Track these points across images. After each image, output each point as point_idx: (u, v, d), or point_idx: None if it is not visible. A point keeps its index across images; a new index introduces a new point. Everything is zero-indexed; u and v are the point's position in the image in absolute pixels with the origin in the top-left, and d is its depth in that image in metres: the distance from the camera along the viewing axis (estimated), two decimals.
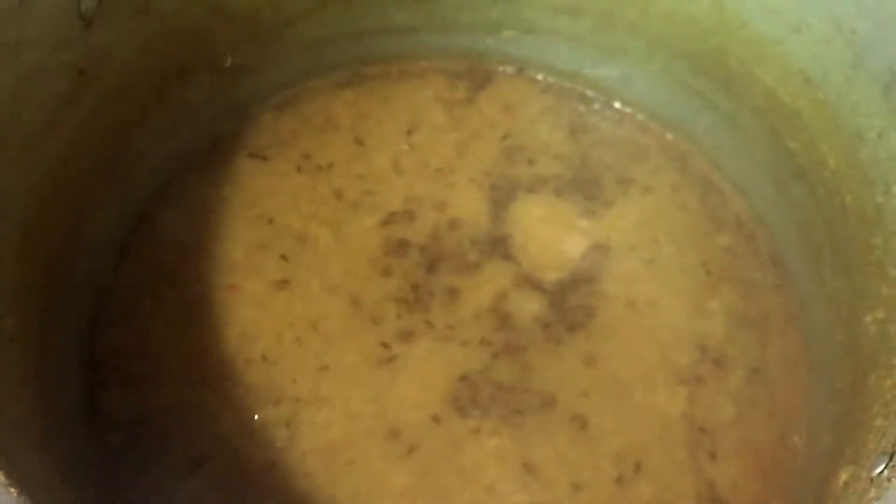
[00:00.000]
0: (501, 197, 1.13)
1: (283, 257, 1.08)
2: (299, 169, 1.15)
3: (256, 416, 0.99)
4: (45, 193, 0.92)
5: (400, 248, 1.09)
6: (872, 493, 0.68)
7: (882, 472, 0.67)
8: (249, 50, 1.13)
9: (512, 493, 0.96)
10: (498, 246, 1.09)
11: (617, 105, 1.21)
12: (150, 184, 1.12)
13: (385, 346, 1.02)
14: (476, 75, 1.25)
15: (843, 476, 0.75)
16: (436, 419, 1.00)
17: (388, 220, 1.11)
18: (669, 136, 1.19)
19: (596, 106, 1.22)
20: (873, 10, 0.84)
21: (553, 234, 1.11)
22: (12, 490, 0.62)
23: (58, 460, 0.88)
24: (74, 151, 0.96)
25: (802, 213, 1.03)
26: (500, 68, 1.24)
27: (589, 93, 1.22)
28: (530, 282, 1.07)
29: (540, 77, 1.24)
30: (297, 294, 1.06)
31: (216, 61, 1.12)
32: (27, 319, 0.89)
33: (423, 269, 1.07)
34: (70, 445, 0.93)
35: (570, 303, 1.06)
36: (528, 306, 1.05)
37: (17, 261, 0.87)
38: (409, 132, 1.18)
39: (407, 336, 1.03)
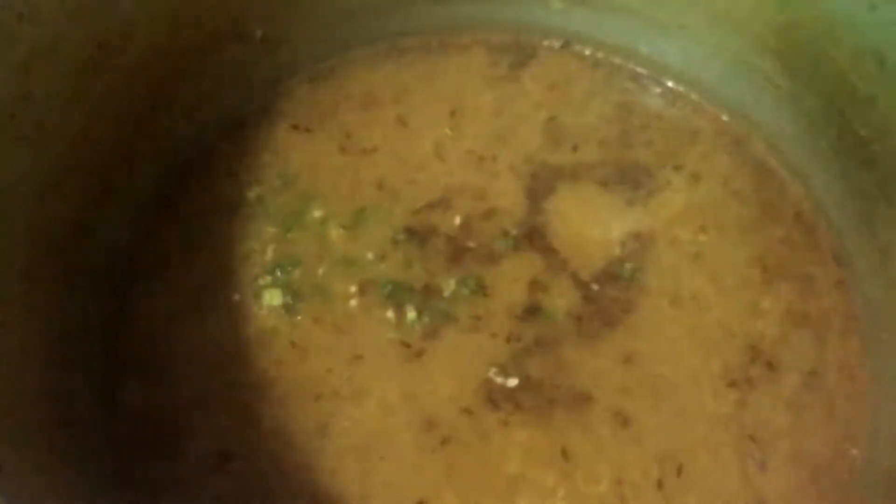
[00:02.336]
0: (541, 186, 1.07)
1: (310, 243, 1.04)
2: (343, 150, 1.09)
3: (286, 411, 0.95)
4: (62, 174, 0.89)
5: (426, 237, 1.03)
6: None
7: None
8: (282, 21, 1.09)
9: (547, 480, 0.91)
10: (533, 236, 1.03)
11: (670, 84, 1.14)
12: (177, 161, 1.08)
13: (406, 344, 0.97)
14: (520, 50, 1.18)
15: None
16: (467, 411, 0.95)
17: (422, 209, 1.05)
18: (725, 117, 1.11)
19: (647, 84, 1.15)
20: None
21: (592, 225, 1.04)
22: None
23: (72, 452, 0.85)
24: (94, 129, 0.92)
25: (870, 205, 0.94)
26: (546, 42, 1.17)
27: (640, 70, 1.15)
28: (564, 274, 1.01)
29: (588, 52, 1.17)
30: (320, 283, 1.01)
31: (247, 33, 1.07)
32: (41, 309, 0.85)
33: (447, 260, 1.01)
34: (88, 440, 0.90)
35: (607, 297, 1.00)
36: (561, 300, 0.99)
37: (30, 244, 0.83)
38: (453, 113, 1.12)
39: (431, 330, 0.98)
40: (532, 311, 0.99)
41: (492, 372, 0.96)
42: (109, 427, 0.93)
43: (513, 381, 0.95)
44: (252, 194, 1.07)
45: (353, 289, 1.01)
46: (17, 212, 0.81)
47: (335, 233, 1.04)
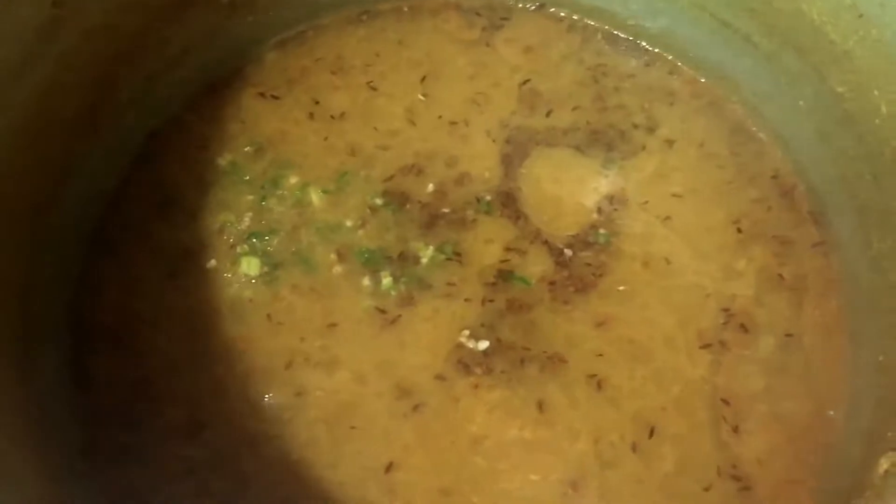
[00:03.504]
0: (516, 151, 1.05)
1: (287, 210, 1.02)
2: (312, 116, 1.07)
3: (258, 381, 0.93)
4: (21, 141, 0.86)
5: (401, 203, 1.01)
6: None
7: None
8: None
9: (525, 434, 0.90)
10: (507, 202, 1.01)
11: (645, 46, 1.11)
12: (142, 128, 1.05)
13: (381, 311, 0.95)
14: (494, 12, 1.15)
15: (885, 464, 0.66)
16: (440, 378, 0.93)
17: (395, 175, 1.03)
18: (702, 79, 1.09)
19: (623, 47, 1.12)
20: None
21: (566, 190, 1.02)
22: None
23: (40, 424, 0.83)
24: (54, 94, 0.89)
25: (849, 165, 0.93)
26: (521, 4, 1.15)
27: (616, 32, 1.13)
28: (538, 240, 0.99)
29: (563, 14, 1.14)
30: (297, 250, 0.99)
31: None
32: (5, 281, 0.83)
33: (421, 226, 1.00)
34: (54, 410, 0.87)
35: (581, 262, 0.98)
36: (534, 266, 0.98)
37: None
38: (424, 78, 1.10)
39: (406, 296, 0.96)
40: (505, 277, 0.98)
41: (463, 336, 0.94)
42: (78, 396, 0.91)
43: (483, 344, 0.93)
44: (224, 161, 1.05)
45: (331, 256, 0.99)
46: None
47: (314, 199, 1.02)
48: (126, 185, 1.04)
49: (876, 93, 0.85)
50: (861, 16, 0.84)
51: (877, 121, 0.85)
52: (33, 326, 0.90)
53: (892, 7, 0.80)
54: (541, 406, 0.91)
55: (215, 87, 1.10)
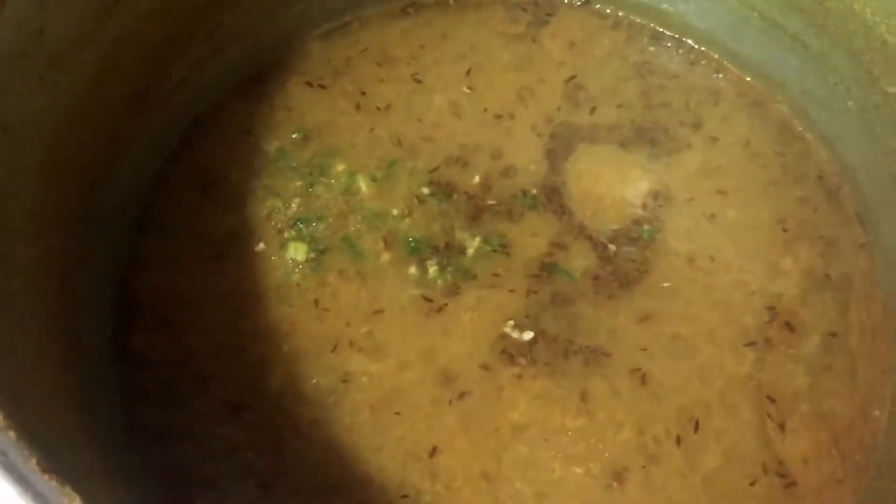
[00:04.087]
0: (560, 146, 1.05)
1: (334, 197, 1.02)
2: (358, 107, 1.08)
3: (303, 364, 0.93)
4: (76, 117, 0.87)
5: (448, 194, 1.02)
6: None
7: None
8: None
9: (566, 422, 0.91)
10: (552, 196, 1.02)
11: (691, 43, 1.12)
12: (191, 111, 1.07)
13: (427, 299, 0.96)
14: (539, 8, 1.16)
15: None
16: (484, 367, 0.93)
17: (441, 166, 1.03)
18: (748, 78, 1.09)
19: (667, 44, 1.13)
20: None
21: (611, 186, 1.03)
22: (11, 434, 0.57)
23: (85, 399, 0.84)
24: (108, 73, 0.90)
25: None
26: (566, 0, 1.15)
27: (661, 29, 1.13)
28: (582, 234, 1.00)
29: (608, 11, 1.15)
30: (344, 236, 1.00)
31: None
32: (52, 250, 0.84)
33: (468, 217, 1.00)
34: (96, 384, 0.88)
35: (625, 257, 0.98)
36: (578, 260, 0.98)
37: (42, 184, 0.81)
38: (469, 72, 1.11)
39: (452, 285, 0.97)
40: (550, 270, 0.98)
41: (508, 327, 0.94)
42: (119, 373, 0.92)
43: (528, 335, 0.93)
44: (271, 148, 1.06)
45: (378, 244, 1.00)
46: (29, 151, 0.80)
47: (362, 187, 1.02)
48: (172, 167, 1.05)
49: None
50: None
51: None
52: (80, 302, 0.91)
53: None
54: (584, 397, 0.91)
55: (261, 75, 1.11)
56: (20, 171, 0.79)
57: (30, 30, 0.78)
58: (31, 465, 0.58)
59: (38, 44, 0.80)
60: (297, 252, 0.99)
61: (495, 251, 0.99)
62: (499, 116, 1.08)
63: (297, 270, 0.99)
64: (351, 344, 0.94)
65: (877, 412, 0.91)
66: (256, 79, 1.11)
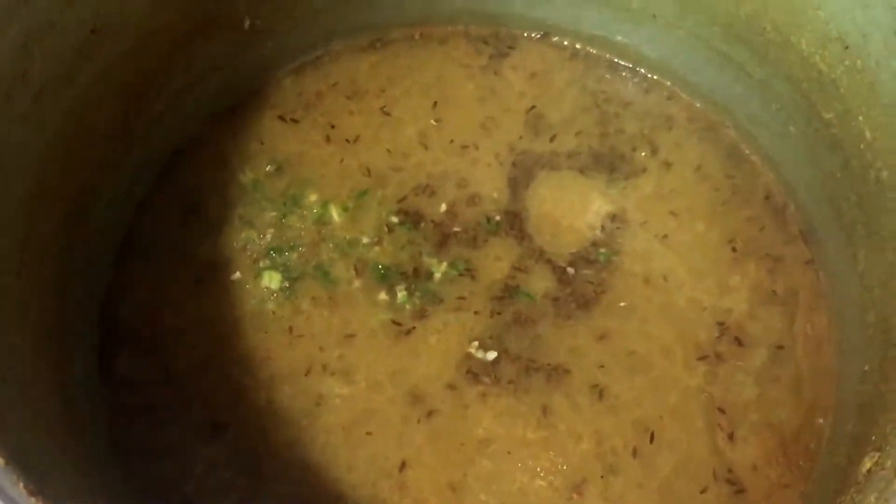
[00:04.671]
0: (522, 173, 1.11)
1: (307, 226, 1.07)
2: (328, 139, 1.13)
3: (279, 387, 0.98)
4: (60, 150, 0.92)
5: (415, 222, 1.07)
6: None
7: None
8: (268, 11, 1.11)
9: (528, 435, 0.96)
10: (514, 222, 1.07)
11: (644, 72, 1.17)
12: (169, 142, 1.11)
13: (396, 323, 1.01)
14: (501, 41, 1.21)
15: (868, 463, 0.71)
16: (451, 386, 0.99)
17: (409, 196, 1.08)
18: (698, 104, 1.15)
19: (623, 73, 1.18)
20: None
21: (570, 211, 1.08)
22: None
23: (71, 418, 0.88)
24: (90, 108, 0.95)
25: (836, 187, 0.98)
26: (525, 33, 1.21)
27: (616, 59, 1.19)
28: (541, 258, 1.05)
29: (566, 43, 1.20)
30: (317, 264, 1.05)
31: (235, 22, 1.10)
32: (38, 280, 0.88)
33: (434, 244, 1.05)
34: (82, 407, 0.93)
35: (583, 279, 1.03)
36: (539, 282, 1.03)
37: (29, 219, 0.86)
38: (436, 103, 1.16)
39: (420, 309, 1.02)
40: (512, 293, 1.03)
41: (473, 347, 0.99)
42: (104, 394, 0.96)
43: (491, 355, 0.98)
44: (245, 179, 1.10)
45: (349, 271, 1.05)
46: (16, 185, 0.84)
47: (334, 216, 1.07)
48: (153, 196, 1.10)
49: (861, 119, 0.91)
50: (847, 47, 0.90)
51: (861, 146, 0.91)
52: (66, 325, 0.95)
53: (873, 39, 0.86)
54: (545, 412, 0.96)
55: (236, 108, 1.16)
56: (7, 204, 0.84)
57: (14, 73, 0.83)
58: (19, 489, 0.62)
59: (22, 85, 0.84)
60: (272, 281, 1.04)
61: (461, 275, 1.04)
62: (464, 146, 1.13)
63: (271, 298, 1.04)
64: (324, 367, 0.99)
65: (821, 420, 0.96)
66: (232, 111, 1.16)
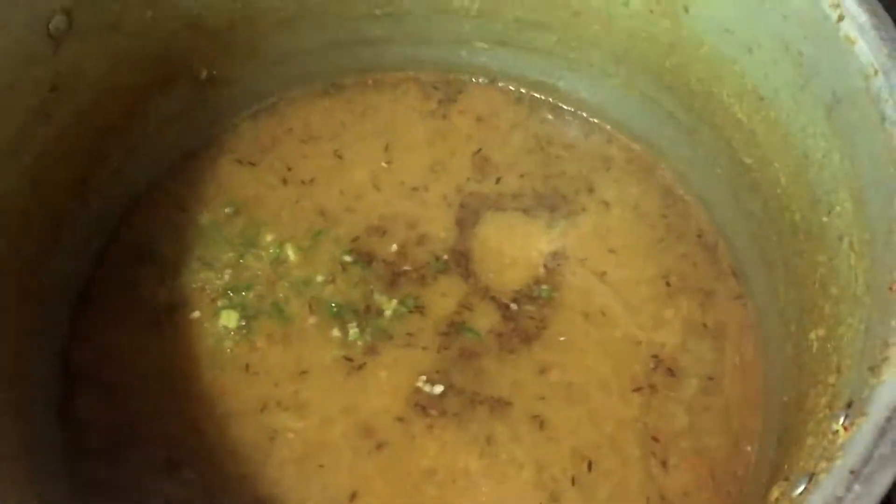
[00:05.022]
0: (469, 214, 1.16)
1: (264, 266, 1.12)
2: (284, 181, 1.18)
3: (234, 424, 1.02)
4: (16, 206, 0.95)
5: (368, 261, 1.12)
6: None
7: (800, 493, 0.69)
8: (225, 62, 1.16)
9: (471, 465, 1.01)
10: (460, 261, 1.13)
11: (585, 116, 1.24)
12: (127, 191, 1.15)
13: (348, 359, 1.06)
14: (449, 86, 1.27)
15: (776, 492, 0.77)
16: (399, 419, 1.03)
17: (361, 236, 1.14)
18: (635, 146, 1.21)
19: (565, 117, 1.25)
20: (817, 35, 0.86)
21: (513, 250, 1.13)
22: None
23: (31, 458, 0.92)
24: (48, 164, 0.99)
25: (758, 226, 1.05)
26: (473, 79, 1.27)
27: (559, 104, 1.25)
28: (486, 295, 1.10)
29: (511, 88, 1.27)
30: (273, 302, 1.10)
31: (192, 74, 1.15)
32: (2, 329, 0.92)
33: (385, 282, 1.11)
34: (43, 448, 0.96)
35: (525, 315, 1.09)
36: (483, 318, 1.09)
37: None
38: (387, 147, 1.21)
39: (371, 345, 1.07)
40: (458, 329, 1.08)
41: (421, 381, 1.04)
42: (63, 435, 1.00)
43: (438, 389, 1.04)
44: (204, 221, 1.15)
45: (304, 309, 1.09)
46: None
47: (290, 256, 1.12)
48: (112, 244, 1.14)
49: (776, 165, 0.97)
50: (761, 99, 0.97)
51: (778, 190, 0.98)
52: (25, 370, 0.98)
53: (784, 92, 0.93)
54: (488, 441, 1.01)
55: (194, 154, 1.21)
56: None
57: None
58: None
59: None
60: (229, 319, 1.09)
61: (410, 312, 1.10)
62: (414, 188, 1.19)
63: (229, 336, 1.08)
64: (278, 403, 1.04)
65: (748, 447, 1.02)
66: (189, 157, 1.20)
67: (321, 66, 1.24)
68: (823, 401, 0.80)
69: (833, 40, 0.83)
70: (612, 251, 1.14)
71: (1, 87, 0.89)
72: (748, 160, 1.02)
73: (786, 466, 0.82)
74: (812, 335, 0.90)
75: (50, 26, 0.91)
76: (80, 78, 0.98)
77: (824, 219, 0.89)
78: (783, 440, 0.89)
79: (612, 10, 1.06)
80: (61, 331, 1.07)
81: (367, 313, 1.09)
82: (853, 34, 0.80)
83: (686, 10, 0.99)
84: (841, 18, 0.81)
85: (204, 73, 1.15)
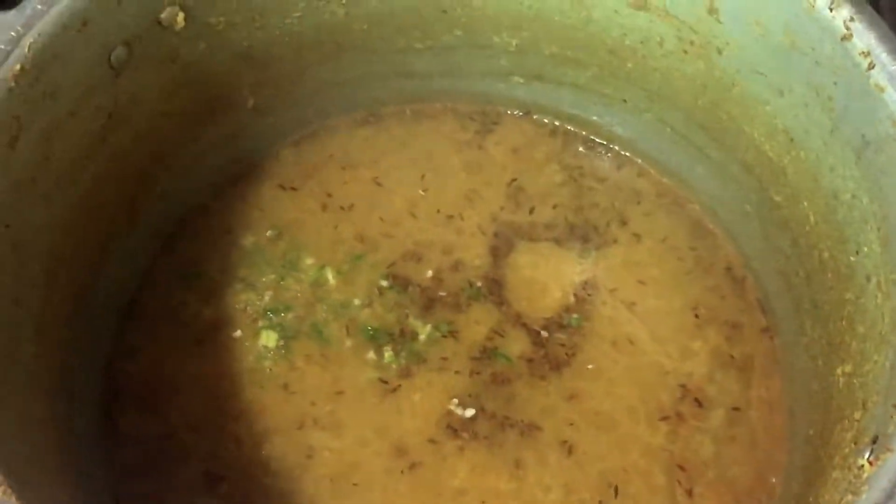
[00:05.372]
0: (503, 243, 1.20)
1: (303, 288, 1.16)
2: (324, 207, 1.22)
3: (272, 441, 1.06)
4: (73, 226, 1.00)
5: (404, 286, 1.15)
6: None
7: None
8: (270, 91, 1.21)
9: (500, 485, 1.04)
10: (493, 288, 1.16)
11: (617, 149, 1.27)
12: (174, 213, 1.20)
13: (383, 381, 1.09)
14: (485, 117, 1.31)
15: None
16: (432, 441, 1.07)
17: (398, 261, 1.18)
18: (665, 180, 1.24)
19: (598, 150, 1.28)
20: (847, 82, 0.89)
21: (545, 278, 1.17)
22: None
23: (72, 475, 0.95)
24: (102, 187, 1.03)
25: (786, 262, 1.07)
26: (508, 111, 1.31)
27: (592, 137, 1.28)
28: (518, 322, 1.13)
29: (546, 121, 1.30)
30: (312, 324, 1.14)
31: (240, 102, 1.20)
32: (50, 345, 0.96)
33: (420, 307, 1.14)
34: (86, 461, 1.00)
35: (556, 342, 1.12)
36: (515, 345, 1.12)
37: (45, 289, 0.94)
38: (424, 175, 1.25)
39: (405, 368, 1.10)
40: (490, 354, 1.12)
41: (453, 404, 1.08)
42: (106, 450, 1.04)
43: (470, 412, 1.07)
44: (247, 243, 1.19)
45: (341, 331, 1.13)
46: (34, 263, 0.92)
47: (329, 279, 1.16)
48: (158, 264, 1.18)
49: (805, 204, 1.00)
50: (792, 140, 1.00)
51: (807, 228, 1.00)
52: (72, 389, 1.02)
53: (814, 134, 0.96)
54: (517, 465, 1.04)
55: (238, 179, 1.25)
56: (26, 280, 0.92)
57: (38, 158, 0.92)
58: None
59: (45, 169, 0.93)
60: (269, 339, 1.13)
61: (444, 337, 1.13)
62: (450, 216, 1.22)
63: (268, 356, 1.12)
64: (315, 422, 1.07)
65: (773, 478, 1.04)
66: (234, 182, 1.25)
67: (362, 97, 1.28)
68: (849, 436, 0.83)
69: (863, 87, 0.86)
70: (641, 282, 1.17)
71: (63, 114, 0.93)
72: (777, 198, 1.05)
73: (811, 499, 0.84)
74: (839, 371, 0.92)
75: (112, 57, 0.96)
76: (136, 106, 1.03)
77: (852, 258, 0.92)
78: (808, 473, 0.91)
79: (646, 49, 1.10)
80: (106, 347, 1.12)
81: (402, 337, 1.13)
82: (883, 82, 0.83)
83: (720, 52, 1.02)
84: (871, 67, 0.84)
85: (250, 102, 1.20)
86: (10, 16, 0.87)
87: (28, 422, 0.89)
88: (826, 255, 0.97)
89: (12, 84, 0.84)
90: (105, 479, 1.04)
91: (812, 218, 0.99)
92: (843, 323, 0.92)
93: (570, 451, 1.06)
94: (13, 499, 0.70)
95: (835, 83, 0.90)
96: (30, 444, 0.87)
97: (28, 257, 0.92)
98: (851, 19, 0.86)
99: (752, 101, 1.03)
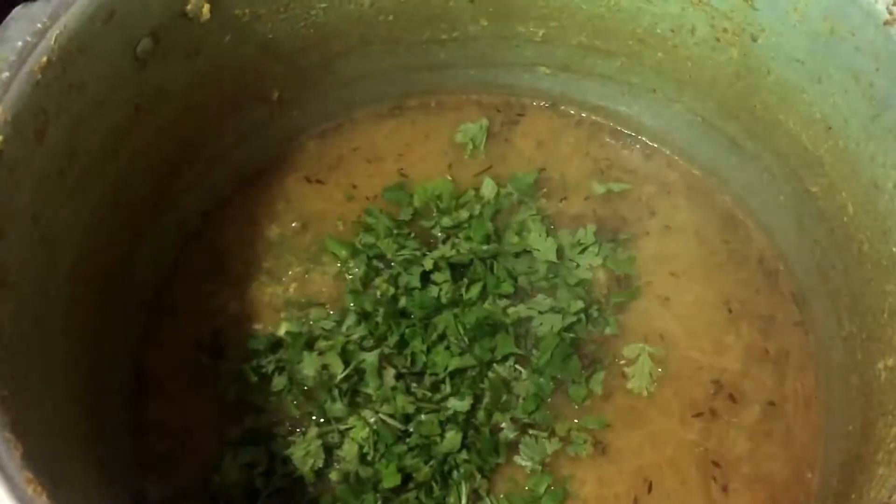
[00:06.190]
0: None
1: (329, 279, 1.15)
2: (350, 198, 1.20)
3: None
4: (101, 218, 0.99)
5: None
6: None
7: None
8: (295, 84, 1.20)
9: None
10: None
11: (645, 140, 1.25)
12: (200, 206, 1.19)
13: None
14: (511, 109, 1.29)
15: None
16: None
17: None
18: (696, 172, 1.22)
19: (626, 141, 1.26)
20: (890, 66, 0.86)
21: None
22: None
23: (99, 469, 0.95)
24: (129, 179, 1.03)
25: (822, 254, 1.05)
26: (534, 103, 1.29)
27: (619, 128, 1.26)
28: None
29: (572, 112, 1.28)
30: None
31: (264, 94, 1.18)
32: (78, 339, 0.96)
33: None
34: (112, 454, 1.00)
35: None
36: None
37: (73, 280, 0.94)
38: (450, 166, 1.23)
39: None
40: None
41: None
42: (132, 442, 1.04)
43: None
44: (273, 234, 1.18)
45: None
46: (63, 256, 0.92)
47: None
48: (184, 257, 1.17)
49: (843, 194, 0.98)
50: (829, 128, 0.97)
51: (845, 218, 0.98)
52: (100, 379, 1.01)
53: (853, 123, 0.93)
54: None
55: (264, 171, 1.24)
56: (56, 274, 0.91)
57: (64, 152, 0.91)
58: None
59: (71, 162, 0.92)
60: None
61: None
62: None
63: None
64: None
65: (809, 474, 1.02)
66: (260, 174, 1.24)
67: (386, 89, 1.26)
68: (893, 431, 0.81)
69: None
70: (673, 275, 1.15)
71: (90, 106, 0.92)
72: (814, 188, 1.03)
73: (853, 496, 0.83)
74: (880, 365, 0.90)
75: (137, 49, 0.95)
76: (162, 98, 1.02)
77: (894, 249, 0.89)
78: (848, 469, 0.89)
79: (677, 38, 1.08)
80: (133, 338, 1.11)
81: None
82: None
83: (754, 39, 1.00)
84: None
85: (275, 94, 1.19)
86: (36, 8, 0.86)
87: (58, 418, 0.88)
88: (866, 246, 0.95)
89: (39, 76, 0.83)
90: (130, 471, 1.03)
91: (851, 208, 0.97)
92: (885, 316, 0.90)
93: (604, 449, 1.04)
94: (44, 497, 0.68)
95: (877, 69, 0.88)
96: (60, 439, 0.86)
97: (56, 250, 0.91)
98: (895, 3, 0.83)
99: (787, 90, 1.00)
